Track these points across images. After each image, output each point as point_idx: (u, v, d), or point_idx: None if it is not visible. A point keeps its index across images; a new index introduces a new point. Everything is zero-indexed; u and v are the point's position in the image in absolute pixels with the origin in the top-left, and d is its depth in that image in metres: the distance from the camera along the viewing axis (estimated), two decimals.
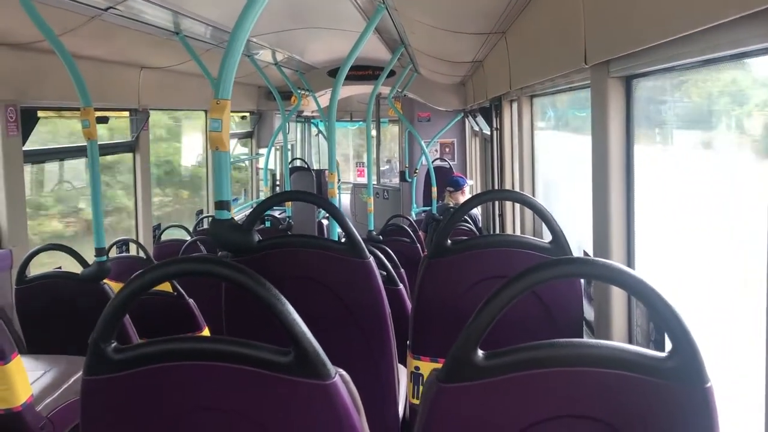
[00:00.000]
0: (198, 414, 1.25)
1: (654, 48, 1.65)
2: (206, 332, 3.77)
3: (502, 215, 5.19)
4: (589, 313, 2.58)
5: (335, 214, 2.34)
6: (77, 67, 3.26)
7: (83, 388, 1.25)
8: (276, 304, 1.22)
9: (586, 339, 1.19)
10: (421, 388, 2.42)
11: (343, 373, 1.29)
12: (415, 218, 8.32)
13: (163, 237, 6.00)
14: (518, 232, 4.59)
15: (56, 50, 3.18)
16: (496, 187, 5.45)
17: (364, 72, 8.30)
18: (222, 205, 2.20)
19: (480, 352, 1.17)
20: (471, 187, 7.54)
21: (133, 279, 1.24)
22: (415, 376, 2.43)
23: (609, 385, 1.15)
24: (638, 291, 1.13)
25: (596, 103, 2.15)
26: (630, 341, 2.15)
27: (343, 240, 2.27)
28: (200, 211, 7.23)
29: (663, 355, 1.15)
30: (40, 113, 4.08)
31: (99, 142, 3.49)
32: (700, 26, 1.32)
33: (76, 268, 3.36)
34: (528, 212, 4.15)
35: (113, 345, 1.24)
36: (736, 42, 1.31)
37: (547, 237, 2.22)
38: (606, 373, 1.15)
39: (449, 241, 2.26)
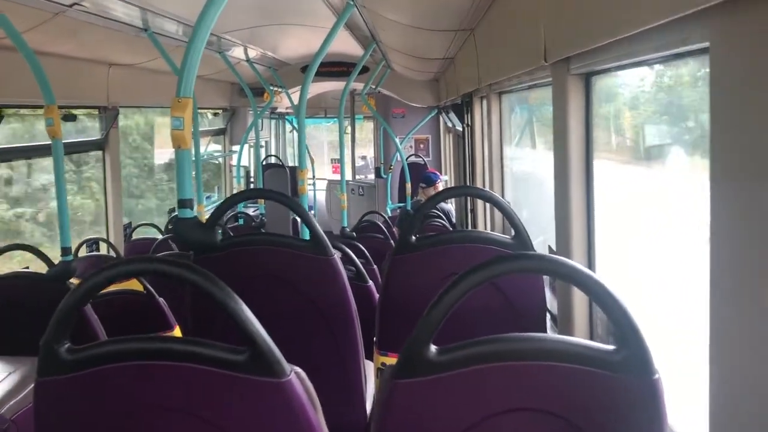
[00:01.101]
0: (152, 414, 1.25)
1: (612, 45, 1.67)
2: (177, 331, 3.74)
3: (473, 211, 5.23)
4: (555, 306, 2.61)
5: (297, 210, 2.35)
6: (40, 65, 3.22)
7: (36, 389, 1.24)
8: (229, 303, 1.22)
9: (537, 333, 1.21)
10: None
11: (299, 370, 1.30)
12: (390, 214, 8.33)
13: (135, 235, 5.95)
14: (489, 228, 4.62)
15: (18, 47, 3.13)
16: (468, 184, 5.47)
17: (338, 68, 8.28)
18: (185, 203, 2.19)
19: (433, 348, 1.19)
20: (445, 182, 7.57)
21: (79, 285, 1.24)
22: (381, 373, 2.44)
23: (560, 378, 1.18)
24: (587, 286, 1.16)
25: (557, 100, 2.17)
26: (591, 334, 2.19)
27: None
28: (172, 209, 7.18)
29: (612, 348, 1.17)
30: (4, 111, 4.02)
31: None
32: (653, 23, 1.34)
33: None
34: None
35: (66, 345, 1.23)
36: (673, 43, 1.34)
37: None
38: (557, 366, 1.17)
39: (414, 238, 2.28)
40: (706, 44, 1.11)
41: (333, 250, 2.24)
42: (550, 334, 1.39)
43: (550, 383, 1.18)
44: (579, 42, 1.80)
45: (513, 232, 2.23)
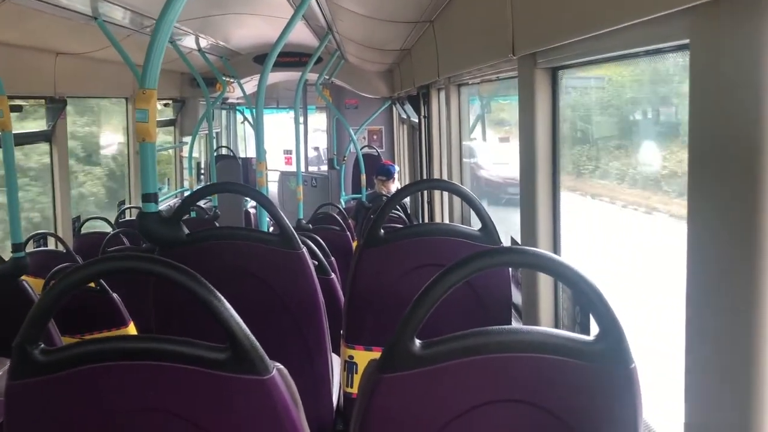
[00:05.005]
0: (131, 415, 1.21)
1: (580, 41, 1.70)
2: (131, 327, 3.66)
3: (430, 203, 5.25)
4: (516, 297, 2.64)
5: (267, 205, 2.32)
6: None
7: (8, 392, 1.19)
8: (212, 301, 1.19)
9: (518, 325, 1.23)
10: (355, 377, 2.43)
11: (281, 367, 1.28)
12: (344, 206, 8.31)
13: (84, 230, 5.78)
14: (446, 220, 4.65)
15: None
16: (425, 175, 5.50)
17: (291, 59, 8.19)
18: (149, 197, 2.14)
19: (417, 342, 1.19)
20: (398, 173, 7.59)
21: (66, 276, 1.19)
22: (349, 365, 2.44)
23: (541, 369, 1.19)
24: (568, 278, 1.17)
25: (523, 93, 2.20)
26: (556, 324, 2.22)
27: (271, 230, 2.25)
28: (122, 202, 6.99)
29: (591, 338, 1.20)
30: None
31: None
32: (623, 23, 1.37)
33: None
34: (457, 200, 4.21)
35: (40, 347, 1.19)
36: (652, 39, 1.38)
37: (476, 224, 2.27)
38: (538, 357, 1.19)
39: (382, 231, 2.27)
40: (686, 41, 1.14)
41: (301, 244, 2.23)
42: (532, 326, 1.41)
43: (531, 374, 1.20)
44: (551, 37, 1.82)
45: (480, 225, 2.25)
